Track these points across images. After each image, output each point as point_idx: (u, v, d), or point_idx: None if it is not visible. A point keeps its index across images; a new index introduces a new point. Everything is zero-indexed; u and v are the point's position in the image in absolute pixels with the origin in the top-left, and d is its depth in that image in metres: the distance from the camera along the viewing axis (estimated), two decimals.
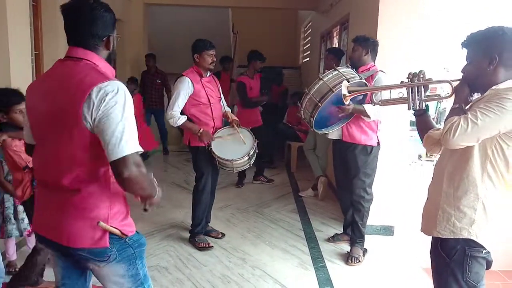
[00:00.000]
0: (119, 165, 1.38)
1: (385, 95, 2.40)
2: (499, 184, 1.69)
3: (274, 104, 7.53)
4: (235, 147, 3.46)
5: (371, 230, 3.88)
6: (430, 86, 1.97)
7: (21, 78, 3.32)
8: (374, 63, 3.35)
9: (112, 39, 1.56)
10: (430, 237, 1.84)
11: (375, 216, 3.77)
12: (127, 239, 1.59)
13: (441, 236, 1.76)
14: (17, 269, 3.02)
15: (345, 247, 3.65)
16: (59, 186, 1.50)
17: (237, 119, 3.65)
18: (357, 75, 2.99)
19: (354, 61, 3.34)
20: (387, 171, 3.76)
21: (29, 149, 1.71)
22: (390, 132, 3.66)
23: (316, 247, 3.69)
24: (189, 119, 3.46)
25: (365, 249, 3.51)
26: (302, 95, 3.06)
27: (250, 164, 3.55)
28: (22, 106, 2.44)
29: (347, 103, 2.32)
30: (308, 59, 9.07)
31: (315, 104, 2.89)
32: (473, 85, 1.77)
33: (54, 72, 1.55)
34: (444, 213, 1.76)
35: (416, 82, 1.88)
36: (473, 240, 1.69)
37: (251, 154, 3.45)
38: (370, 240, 3.67)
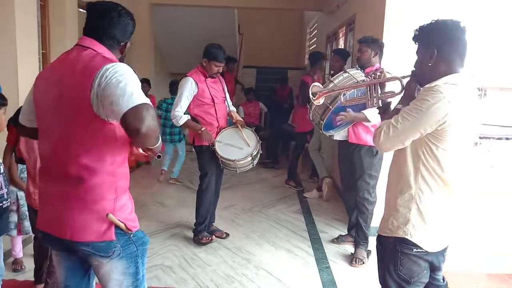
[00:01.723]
0: (132, 119, 1.28)
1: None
2: (437, 187, 1.67)
3: (279, 105, 7.54)
4: (238, 148, 3.48)
5: (374, 232, 3.85)
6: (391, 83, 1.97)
7: (28, 77, 3.35)
8: (380, 64, 3.35)
9: (127, 45, 1.64)
10: (452, 237, 1.83)
11: (378, 218, 3.74)
12: (131, 235, 1.58)
13: (382, 234, 1.82)
14: (23, 267, 3.05)
15: (349, 248, 3.64)
16: (64, 175, 1.49)
17: (241, 119, 3.66)
18: (365, 77, 2.97)
19: (363, 62, 3.32)
20: None
21: (23, 130, 1.72)
22: None
23: (320, 248, 3.68)
24: (193, 119, 3.48)
25: (369, 250, 3.50)
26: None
27: (253, 165, 3.56)
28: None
29: (316, 102, 2.30)
30: None
31: (326, 107, 2.89)
32: (419, 81, 1.76)
33: (60, 61, 1.58)
34: (387, 212, 1.82)
35: (371, 81, 1.92)
36: (403, 239, 1.71)
37: (254, 154, 3.46)
38: (373, 242, 3.65)
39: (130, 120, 1.29)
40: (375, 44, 3.31)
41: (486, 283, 3.17)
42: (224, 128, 3.57)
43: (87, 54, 1.50)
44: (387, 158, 3.39)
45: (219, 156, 3.43)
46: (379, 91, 1.94)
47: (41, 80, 1.61)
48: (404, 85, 1.85)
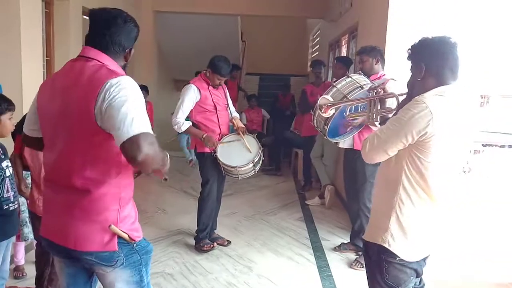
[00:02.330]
0: (129, 148, 1.32)
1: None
2: (418, 199, 1.68)
3: (281, 112, 7.54)
4: (240, 154, 3.48)
5: None
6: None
7: (32, 84, 3.37)
8: (383, 71, 3.35)
9: (132, 52, 1.65)
10: (433, 246, 1.85)
11: None
12: (134, 245, 1.58)
13: (366, 240, 1.84)
14: (24, 274, 3.04)
15: (351, 256, 3.62)
16: (69, 186, 1.50)
17: (243, 126, 3.66)
18: (369, 82, 2.98)
19: (366, 71, 3.32)
20: None
21: (26, 139, 1.74)
22: None
23: (322, 256, 3.66)
24: (195, 125, 3.49)
25: None
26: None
27: (255, 171, 3.55)
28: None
29: (325, 115, 2.33)
30: None
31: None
32: (411, 97, 1.77)
33: (65, 71, 1.59)
34: (371, 219, 1.88)
35: (372, 96, 1.95)
36: (385, 247, 1.73)
37: (255, 161, 3.46)
38: None
39: (128, 149, 1.32)
40: (374, 51, 3.32)
41: None
42: (226, 135, 3.58)
43: (92, 66, 1.50)
44: None
45: (220, 163, 3.43)
46: (379, 107, 1.96)
47: (45, 89, 1.61)
48: (399, 102, 1.89)
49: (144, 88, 6.26)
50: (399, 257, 1.72)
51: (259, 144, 3.57)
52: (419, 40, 1.75)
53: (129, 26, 1.59)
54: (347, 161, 3.57)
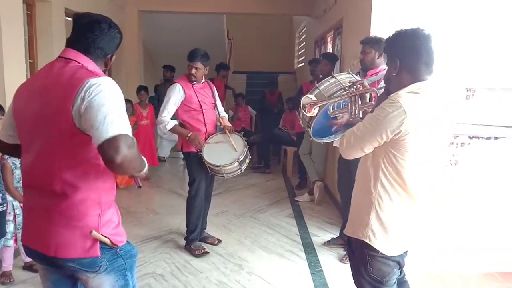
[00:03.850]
0: (107, 149, 1.29)
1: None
2: (397, 196, 1.71)
3: (269, 110, 7.56)
4: (225, 153, 3.44)
5: None
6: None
7: (15, 87, 3.30)
8: (385, 65, 3.14)
9: (113, 58, 1.64)
10: (426, 244, 1.89)
11: None
12: (118, 249, 1.55)
13: (347, 234, 1.87)
14: (12, 279, 3.00)
15: (341, 251, 3.65)
16: (48, 191, 1.46)
17: (230, 125, 3.64)
18: (350, 89, 2.90)
19: (366, 64, 3.21)
20: None
21: (4, 147, 1.70)
22: None
23: (312, 251, 3.69)
24: (181, 125, 3.47)
25: None
26: (295, 98, 3.05)
27: (241, 170, 3.50)
28: None
29: (309, 114, 2.31)
30: (303, 64, 9.12)
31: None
32: (388, 91, 1.79)
33: (43, 72, 1.57)
34: (351, 213, 1.89)
35: (352, 92, 1.99)
36: (367, 242, 1.75)
37: (241, 160, 3.42)
38: None
39: (106, 150, 1.29)
40: (379, 44, 3.12)
41: (479, 282, 3.19)
42: (212, 134, 3.56)
43: (71, 67, 1.48)
44: None
45: (206, 162, 3.41)
46: (360, 102, 1.97)
47: (22, 92, 1.58)
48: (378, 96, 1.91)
49: (144, 89, 6.21)
50: (380, 252, 1.75)
51: (246, 143, 3.54)
52: (393, 34, 1.74)
53: (113, 32, 1.59)
54: (341, 160, 3.53)
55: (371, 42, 3.18)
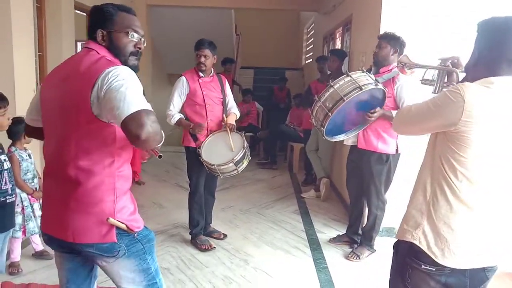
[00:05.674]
0: (131, 125, 1.29)
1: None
2: (455, 200, 1.49)
3: (277, 105, 7.55)
4: (222, 152, 3.34)
5: (382, 235, 3.82)
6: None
7: (25, 79, 3.34)
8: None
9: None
10: (484, 258, 1.63)
11: (388, 223, 3.72)
12: (135, 235, 1.60)
13: (397, 238, 1.69)
14: (20, 270, 3.04)
15: (347, 248, 3.64)
16: (65, 177, 1.50)
17: (233, 123, 3.48)
18: (372, 80, 2.79)
19: (379, 59, 3.17)
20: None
21: (28, 130, 1.79)
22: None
23: (318, 248, 3.68)
24: (186, 118, 3.48)
25: (374, 250, 3.51)
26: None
27: (238, 171, 3.38)
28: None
29: (404, 75, 2.23)
30: (311, 60, 9.07)
31: (325, 113, 2.78)
32: (465, 80, 1.61)
33: (67, 61, 1.63)
34: (404, 216, 1.68)
35: (443, 67, 1.86)
36: (414, 250, 1.56)
37: (236, 161, 3.28)
38: (380, 245, 3.60)
39: (130, 126, 1.30)
40: (396, 41, 3.11)
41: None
42: (214, 131, 3.48)
43: (92, 55, 1.53)
44: (402, 164, 3.34)
45: (202, 160, 3.35)
46: (446, 79, 1.86)
47: (48, 80, 1.65)
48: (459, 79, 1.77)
49: None
50: (426, 265, 1.54)
51: (245, 143, 3.40)
52: (487, 19, 1.49)
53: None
54: (351, 159, 3.49)
55: (388, 38, 3.16)
